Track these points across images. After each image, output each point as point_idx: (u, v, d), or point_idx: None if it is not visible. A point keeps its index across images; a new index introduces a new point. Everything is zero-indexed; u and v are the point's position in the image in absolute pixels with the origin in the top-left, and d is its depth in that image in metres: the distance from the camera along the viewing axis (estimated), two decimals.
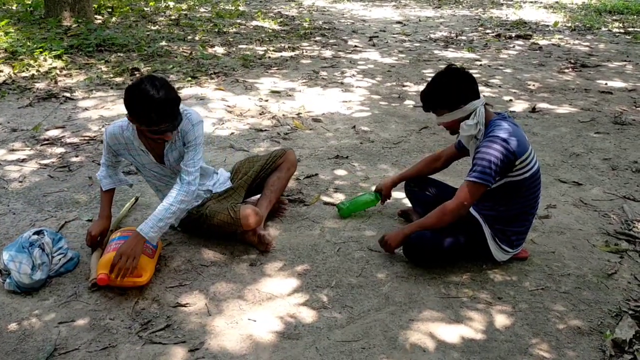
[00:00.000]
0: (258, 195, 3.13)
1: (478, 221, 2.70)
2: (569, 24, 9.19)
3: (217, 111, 4.94)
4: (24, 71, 5.91)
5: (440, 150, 3.11)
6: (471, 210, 2.72)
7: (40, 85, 5.56)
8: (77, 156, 4.00)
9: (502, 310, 2.44)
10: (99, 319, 2.36)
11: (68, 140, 4.27)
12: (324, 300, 2.51)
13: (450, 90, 2.59)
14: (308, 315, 2.41)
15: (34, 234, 2.65)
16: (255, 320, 2.37)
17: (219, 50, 7.20)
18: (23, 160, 3.91)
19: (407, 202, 3.31)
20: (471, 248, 2.73)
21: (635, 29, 8.83)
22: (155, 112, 2.43)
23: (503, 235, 2.69)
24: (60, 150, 4.10)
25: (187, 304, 2.47)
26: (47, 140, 4.27)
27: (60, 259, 2.63)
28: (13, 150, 4.09)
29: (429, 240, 2.67)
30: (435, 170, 3.08)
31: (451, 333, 2.31)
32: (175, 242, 2.95)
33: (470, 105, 2.57)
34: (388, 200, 3.28)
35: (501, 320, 2.38)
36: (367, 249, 2.91)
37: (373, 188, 3.36)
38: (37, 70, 5.93)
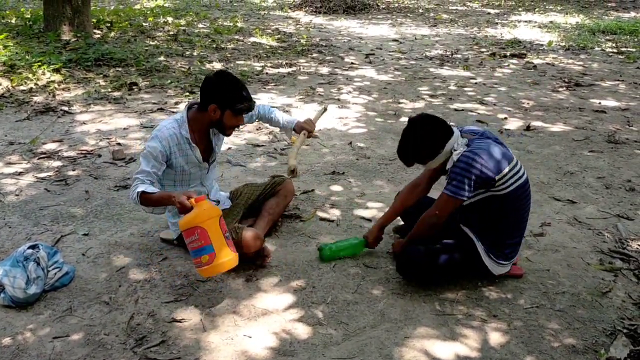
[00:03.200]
0: (253, 219, 3.16)
1: (471, 238, 2.71)
2: (563, 44, 9.30)
3: None
4: (22, 84, 5.93)
5: (416, 178, 3.01)
6: (463, 227, 2.74)
7: (38, 98, 5.58)
8: (74, 170, 4.00)
9: (497, 328, 2.45)
10: (94, 334, 2.35)
11: (65, 154, 4.28)
12: (319, 316, 2.51)
13: (425, 142, 2.63)
14: (303, 332, 2.40)
15: (29, 248, 2.65)
16: (250, 337, 2.37)
17: (217, 65, 7.24)
18: (20, 174, 3.91)
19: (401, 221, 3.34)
20: (466, 264, 2.73)
21: (628, 49, 8.94)
22: (246, 92, 2.81)
23: (497, 250, 2.69)
24: (57, 163, 4.11)
25: (182, 319, 2.47)
26: (44, 153, 4.28)
27: (55, 273, 2.63)
28: (10, 163, 4.09)
29: (423, 255, 2.67)
30: (419, 196, 2.98)
31: (446, 350, 2.31)
32: (171, 257, 2.95)
33: (448, 145, 2.60)
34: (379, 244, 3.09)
35: (496, 338, 2.39)
36: (362, 265, 2.91)
37: (358, 216, 3.37)
38: (35, 84, 5.95)
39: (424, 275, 2.72)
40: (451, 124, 2.72)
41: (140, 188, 2.61)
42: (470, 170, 2.49)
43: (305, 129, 3.22)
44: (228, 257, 2.50)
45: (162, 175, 2.83)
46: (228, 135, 2.95)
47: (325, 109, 3.56)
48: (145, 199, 2.61)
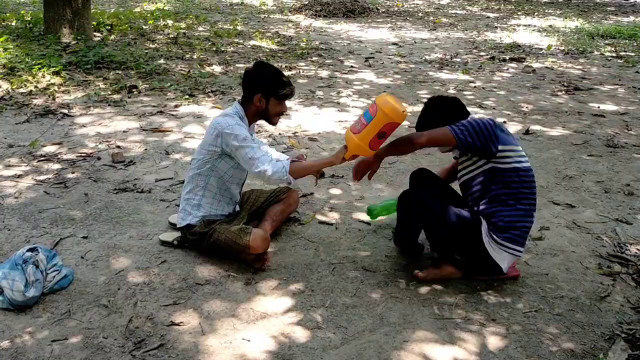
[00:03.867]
0: (256, 222, 3.17)
1: (475, 222, 2.67)
2: (563, 48, 9.31)
3: None
4: (22, 87, 5.93)
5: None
6: (464, 213, 2.72)
7: (38, 101, 5.59)
8: (73, 173, 4.01)
9: (495, 332, 2.45)
10: (93, 337, 2.35)
11: (64, 157, 4.28)
12: (318, 320, 2.51)
13: (440, 115, 2.74)
14: (302, 335, 2.40)
15: (28, 250, 2.65)
16: (249, 340, 2.37)
17: (217, 69, 7.25)
18: (19, 176, 3.91)
19: None
20: (465, 233, 2.68)
21: (627, 53, 8.96)
22: (286, 78, 2.92)
23: (499, 231, 2.63)
24: (57, 166, 4.11)
25: (181, 322, 2.47)
26: (44, 156, 4.28)
27: (54, 276, 2.63)
28: (9, 165, 4.09)
29: (425, 195, 2.76)
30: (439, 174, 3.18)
31: (445, 354, 2.32)
32: (170, 260, 2.95)
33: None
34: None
35: (494, 342, 2.39)
36: (362, 269, 2.91)
37: (357, 220, 3.37)
38: (35, 87, 5.96)
39: (417, 220, 2.79)
40: None
41: (284, 162, 2.81)
42: (479, 124, 2.58)
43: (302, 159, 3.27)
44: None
45: (217, 166, 2.92)
46: (274, 123, 3.04)
47: (322, 175, 3.46)
48: (299, 170, 2.85)
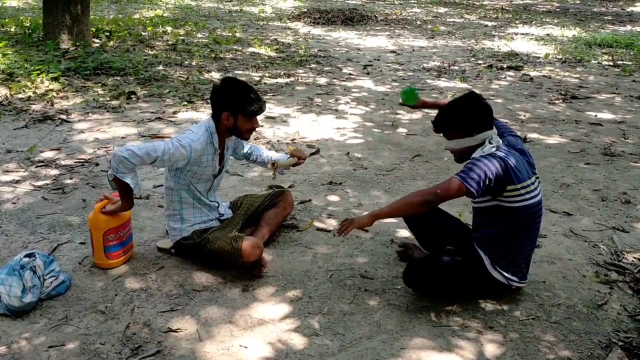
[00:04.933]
0: (251, 228, 3.17)
1: (478, 253, 2.65)
2: (560, 56, 9.35)
3: None
4: (20, 93, 5.94)
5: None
6: (474, 243, 2.69)
7: (37, 107, 5.59)
8: (71, 178, 4.01)
9: (492, 340, 2.45)
10: (90, 344, 2.35)
11: (63, 162, 4.28)
12: (315, 327, 2.51)
13: (467, 115, 2.57)
14: (299, 342, 2.40)
15: (25, 256, 2.64)
16: (246, 347, 2.36)
17: (215, 75, 7.27)
18: (17, 182, 3.91)
19: (405, 233, 3.35)
20: (472, 274, 2.65)
21: (624, 62, 9.00)
22: (255, 93, 2.87)
23: (502, 265, 2.62)
24: (55, 172, 4.11)
25: (178, 329, 2.46)
26: (42, 162, 4.28)
27: (52, 282, 2.63)
28: (7, 171, 4.09)
29: (426, 260, 2.69)
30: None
31: None
32: (167, 266, 2.95)
33: (482, 135, 2.54)
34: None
35: (492, 350, 2.39)
36: (359, 276, 2.92)
37: (360, 234, 3.36)
38: (34, 92, 5.97)
39: (427, 284, 2.68)
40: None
41: (131, 175, 2.68)
42: (490, 167, 2.42)
43: (296, 155, 3.26)
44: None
45: (181, 178, 2.90)
46: (246, 139, 3.02)
47: (318, 151, 3.68)
48: (118, 181, 2.69)
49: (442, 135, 2.69)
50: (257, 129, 3.28)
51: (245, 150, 3.29)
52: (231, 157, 3.25)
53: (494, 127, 2.63)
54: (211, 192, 3.07)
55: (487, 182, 2.42)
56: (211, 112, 2.91)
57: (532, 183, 2.53)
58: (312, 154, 3.37)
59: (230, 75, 7.31)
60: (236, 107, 2.81)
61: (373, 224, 2.68)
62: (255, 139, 4.95)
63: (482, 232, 2.67)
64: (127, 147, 2.65)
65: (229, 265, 2.90)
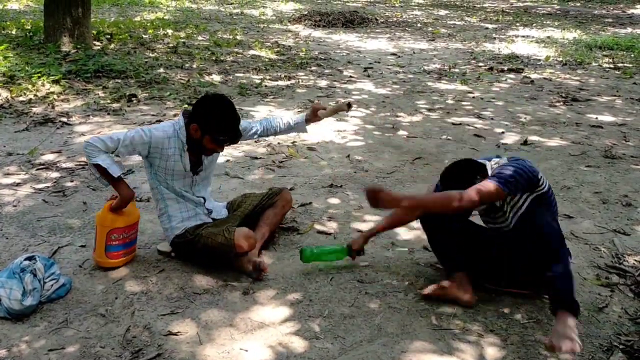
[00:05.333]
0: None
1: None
2: (560, 59, 9.35)
3: None
4: (21, 95, 5.95)
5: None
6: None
7: (38, 109, 5.60)
8: (72, 181, 4.01)
9: (493, 343, 2.45)
10: (90, 347, 2.35)
11: (63, 165, 4.28)
12: (316, 330, 2.50)
13: (462, 178, 2.62)
14: (300, 346, 2.40)
15: (25, 259, 2.64)
16: (247, 350, 2.36)
17: (216, 78, 7.28)
18: (18, 185, 3.92)
19: (405, 236, 3.35)
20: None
21: (625, 65, 9.00)
22: (238, 129, 2.87)
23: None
24: (55, 175, 4.11)
25: (178, 332, 2.46)
26: (43, 164, 4.28)
27: (52, 285, 2.62)
28: (8, 174, 4.10)
29: None
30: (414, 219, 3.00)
31: None
32: (167, 269, 2.95)
33: (483, 174, 2.62)
34: (360, 256, 3.06)
35: (492, 353, 2.39)
36: (360, 279, 2.91)
37: (355, 230, 3.37)
38: (35, 95, 5.97)
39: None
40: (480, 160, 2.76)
41: (102, 156, 2.72)
42: (514, 165, 2.51)
43: (316, 108, 3.19)
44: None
45: (156, 173, 2.93)
46: (208, 155, 3.00)
47: (349, 105, 3.23)
48: (96, 167, 2.75)
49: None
50: None
51: (258, 133, 3.25)
52: (242, 141, 3.26)
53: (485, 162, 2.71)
54: (195, 187, 3.06)
55: (519, 176, 2.48)
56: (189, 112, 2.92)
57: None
58: (348, 105, 3.15)
59: (229, 78, 7.31)
60: (208, 127, 2.81)
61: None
62: (255, 142, 4.96)
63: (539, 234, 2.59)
64: (93, 136, 2.76)
65: (227, 265, 2.90)
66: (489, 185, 2.47)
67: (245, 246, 2.81)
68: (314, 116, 3.22)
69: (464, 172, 2.67)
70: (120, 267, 2.91)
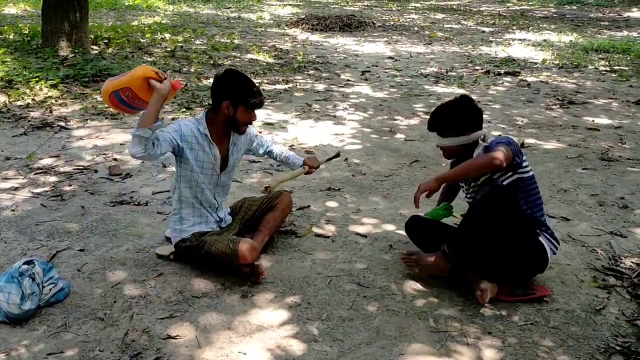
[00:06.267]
0: (250, 235, 3.17)
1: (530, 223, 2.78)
2: (557, 62, 9.39)
3: None
4: (19, 100, 5.95)
5: None
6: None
7: (35, 114, 5.60)
8: (70, 185, 4.01)
9: (491, 345, 2.46)
10: (89, 351, 2.35)
11: (61, 169, 4.29)
12: (314, 333, 2.51)
13: (461, 115, 2.80)
14: (298, 349, 2.41)
15: (24, 263, 2.65)
16: (245, 354, 2.37)
17: None
18: (16, 189, 3.92)
19: (404, 238, 3.35)
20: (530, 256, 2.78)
21: (621, 67, 9.04)
22: (256, 87, 2.91)
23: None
24: (54, 179, 4.11)
25: (177, 335, 2.46)
26: (41, 169, 4.29)
27: (50, 289, 2.63)
28: (6, 178, 4.10)
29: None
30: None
31: None
32: (166, 272, 2.95)
33: (475, 135, 2.79)
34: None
35: (490, 355, 2.39)
36: (358, 282, 2.92)
37: (354, 232, 3.37)
38: (33, 99, 5.98)
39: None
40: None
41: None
42: (506, 141, 2.68)
43: (308, 164, 3.31)
44: None
45: (182, 169, 2.95)
46: (242, 132, 3.04)
47: (338, 154, 3.60)
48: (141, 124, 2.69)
49: (436, 133, 2.89)
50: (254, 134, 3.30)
51: (263, 151, 3.37)
52: (252, 155, 3.39)
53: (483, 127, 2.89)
54: (218, 189, 3.10)
55: (514, 147, 2.66)
56: (210, 103, 2.96)
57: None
58: (329, 160, 3.35)
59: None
60: (237, 98, 2.86)
61: (439, 187, 2.79)
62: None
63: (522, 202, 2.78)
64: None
65: (226, 269, 2.91)
66: (501, 149, 2.62)
67: (249, 258, 2.83)
68: (304, 164, 3.34)
69: (466, 117, 2.82)
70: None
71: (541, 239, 2.78)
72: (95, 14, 13.01)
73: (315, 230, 3.48)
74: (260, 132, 5.29)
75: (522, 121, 6.00)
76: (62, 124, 5.36)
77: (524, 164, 2.74)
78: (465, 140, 2.79)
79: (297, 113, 6.05)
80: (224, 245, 2.83)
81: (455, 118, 2.80)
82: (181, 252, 3.00)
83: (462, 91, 7.32)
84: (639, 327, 2.57)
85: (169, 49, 9.10)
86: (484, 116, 6.07)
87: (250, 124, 3.03)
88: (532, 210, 2.78)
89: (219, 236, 2.96)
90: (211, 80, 7.18)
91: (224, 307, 2.68)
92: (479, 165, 2.68)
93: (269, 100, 6.52)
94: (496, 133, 5.55)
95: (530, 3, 20.35)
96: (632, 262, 3.17)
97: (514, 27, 13.88)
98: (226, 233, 3.04)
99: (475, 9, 18.30)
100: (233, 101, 2.86)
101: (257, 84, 3.00)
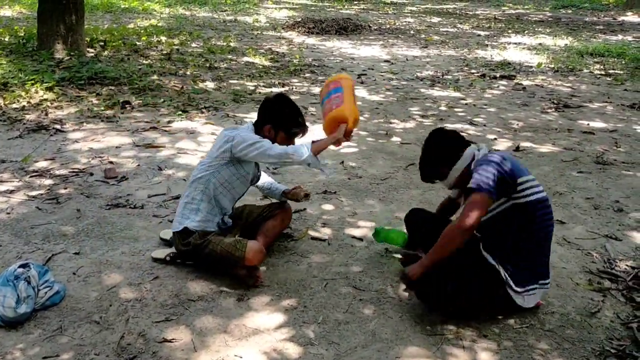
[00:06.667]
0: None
1: (493, 266, 2.59)
2: (552, 66, 9.43)
3: (207, 145, 4.98)
4: (14, 102, 5.93)
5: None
6: (484, 253, 2.64)
7: (31, 116, 5.59)
8: (65, 188, 4.00)
9: (486, 348, 2.46)
10: (84, 354, 2.34)
11: (57, 172, 4.28)
12: (310, 336, 2.51)
13: (440, 147, 2.74)
14: (294, 352, 2.41)
15: (19, 266, 2.64)
16: (241, 357, 2.36)
17: (210, 85, 7.29)
18: (11, 192, 3.91)
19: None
20: (487, 293, 2.61)
21: (616, 71, 9.09)
22: (302, 118, 3.06)
23: (522, 275, 2.59)
24: (49, 182, 4.10)
25: (173, 339, 2.46)
26: (36, 171, 4.27)
27: (46, 292, 2.62)
28: (1, 181, 4.08)
29: (435, 282, 2.56)
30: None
31: None
32: (162, 276, 2.95)
33: (468, 152, 2.69)
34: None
35: (486, 358, 2.40)
36: (354, 285, 2.92)
37: (350, 235, 3.37)
38: (28, 102, 5.96)
39: (439, 301, 2.60)
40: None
41: (305, 147, 2.85)
42: (493, 166, 2.49)
43: (291, 198, 3.33)
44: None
45: (223, 173, 2.97)
46: None
47: (308, 196, 3.43)
48: (316, 147, 2.87)
49: (437, 181, 2.84)
50: None
51: (259, 175, 3.39)
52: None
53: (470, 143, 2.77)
54: (238, 198, 3.15)
55: (499, 181, 2.47)
56: (256, 119, 3.06)
57: (534, 179, 2.60)
58: (303, 197, 3.36)
59: (223, 84, 7.32)
60: (281, 124, 2.98)
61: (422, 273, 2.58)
62: None
63: (499, 245, 2.62)
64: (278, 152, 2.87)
65: (225, 271, 2.90)
66: (476, 199, 2.45)
67: (256, 261, 2.85)
68: (288, 194, 3.33)
69: (448, 144, 2.75)
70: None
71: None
72: (91, 16, 12.99)
73: (312, 233, 3.48)
74: None
75: (517, 124, 6.02)
76: (58, 126, 5.34)
77: (524, 186, 2.53)
78: (463, 162, 2.67)
79: None
80: (230, 245, 2.83)
81: (437, 153, 2.73)
82: (182, 252, 2.99)
83: (458, 95, 7.34)
84: (634, 330, 2.58)
85: (165, 52, 9.09)
86: (480, 119, 6.15)
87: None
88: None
89: (224, 237, 2.96)
90: (207, 83, 7.26)
91: (220, 311, 2.68)
92: (452, 241, 2.50)
93: None
94: (491, 137, 5.57)
95: (526, 7, 20.43)
96: (627, 265, 3.18)
97: (510, 31, 13.93)
98: (230, 235, 3.05)
99: (471, 13, 18.36)
100: (275, 126, 2.98)
101: (302, 114, 3.08)
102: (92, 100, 6.24)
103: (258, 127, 3.02)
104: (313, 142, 2.93)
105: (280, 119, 2.99)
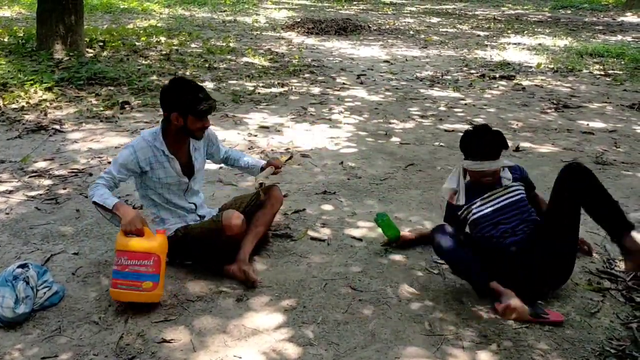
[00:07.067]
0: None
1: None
2: (552, 66, 9.43)
3: None
4: (14, 103, 5.93)
5: None
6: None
7: (30, 117, 5.59)
8: (64, 188, 4.00)
9: (486, 348, 2.46)
10: (83, 355, 2.34)
11: (56, 173, 4.27)
12: (309, 336, 2.51)
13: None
14: (294, 352, 2.40)
15: (18, 267, 2.64)
16: (240, 357, 2.36)
17: (209, 85, 7.28)
18: (10, 192, 3.90)
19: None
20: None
21: (615, 72, 9.08)
22: (204, 93, 2.84)
23: None
24: (48, 182, 4.10)
25: (172, 339, 2.46)
26: (35, 172, 4.27)
27: (45, 293, 2.62)
28: (0, 181, 4.08)
29: None
30: None
31: None
32: None
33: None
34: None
35: (486, 358, 2.40)
36: (353, 285, 2.92)
37: (349, 236, 3.37)
38: (27, 102, 5.96)
39: None
40: None
41: (100, 192, 2.74)
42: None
43: (272, 164, 3.28)
44: (161, 292, 2.68)
45: (146, 184, 2.93)
46: (199, 138, 2.99)
47: (291, 156, 3.51)
48: (99, 205, 2.72)
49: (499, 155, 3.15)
50: (250, 139, 3.30)
51: (222, 156, 3.34)
52: (209, 160, 3.30)
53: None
54: (189, 194, 3.08)
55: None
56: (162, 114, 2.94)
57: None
58: (286, 161, 3.34)
59: (223, 85, 7.32)
60: (185, 108, 2.81)
61: None
62: (249, 149, 4.97)
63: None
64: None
65: (222, 274, 2.89)
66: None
67: (235, 227, 2.83)
68: (267, 166, 3.28)
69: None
70: (120, 302, 2.65)
71: None
72: (91, 17, 12.99)
73: (311, 233, 3.47)
74: (256, 136, 5.29)
75: (517, 125, 6.02)
76: (57, 127, 5.34)
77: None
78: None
79: (293, 116, 6.05)
80: (209, 222, 2.88)
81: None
82: (171, 251, 2.97)
83: (457, 95, 7.34)
84: (634, 331, 2.58)
85: (164, 52, 9.09)
86: (479, 119, 6.14)
87: (206, 128, 2.96)
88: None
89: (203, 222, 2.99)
90: (207, 83, 7.25)
91: (219, 311, 2.67)
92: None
93: (265, 104, 6.51)
94: None
95: (525, 7, 20.44)
96: None
97: (509, 31, 13.93)
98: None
99: (470, 13, 18.36)
100: (181, 112, 2.82)
101: (204, 88, 2.93)
102: (92, 100, 6.24)
103: (166, 120, 2.90)
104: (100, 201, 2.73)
105: (183, 102, 2.80)
